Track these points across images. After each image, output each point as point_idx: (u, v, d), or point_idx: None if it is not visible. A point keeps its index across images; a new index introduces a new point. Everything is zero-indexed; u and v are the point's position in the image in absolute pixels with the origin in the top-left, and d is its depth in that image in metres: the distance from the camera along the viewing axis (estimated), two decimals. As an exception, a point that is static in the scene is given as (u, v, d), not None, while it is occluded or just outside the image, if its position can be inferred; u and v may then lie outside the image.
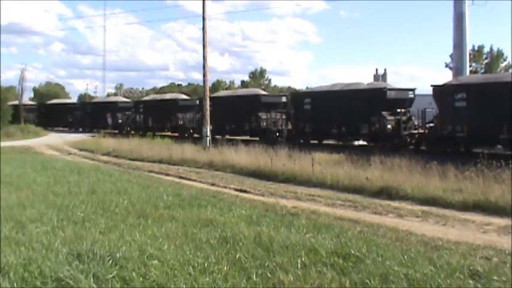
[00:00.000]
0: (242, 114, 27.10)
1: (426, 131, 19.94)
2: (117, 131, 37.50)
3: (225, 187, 11.92)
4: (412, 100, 21.63)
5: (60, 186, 10.07)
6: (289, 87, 69.28)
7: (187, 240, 5.62)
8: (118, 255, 4.81)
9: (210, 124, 28.87)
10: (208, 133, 22.17)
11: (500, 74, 19.40)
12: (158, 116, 34.97)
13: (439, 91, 19.29)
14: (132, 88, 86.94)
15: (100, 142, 26.16)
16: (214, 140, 22.38)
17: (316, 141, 23.65)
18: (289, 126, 26.21)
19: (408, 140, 20.39)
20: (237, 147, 17.57)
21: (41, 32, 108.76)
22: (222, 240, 5.59)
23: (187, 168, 16.23)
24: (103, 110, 42.12)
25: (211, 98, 30.85)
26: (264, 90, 37.67)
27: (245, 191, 11.16)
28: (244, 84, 68.98)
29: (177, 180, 13.33)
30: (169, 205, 7.98)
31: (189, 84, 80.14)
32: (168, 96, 40.00)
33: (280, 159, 14.67)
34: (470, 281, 4.32)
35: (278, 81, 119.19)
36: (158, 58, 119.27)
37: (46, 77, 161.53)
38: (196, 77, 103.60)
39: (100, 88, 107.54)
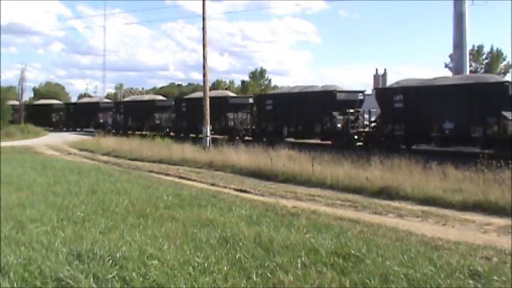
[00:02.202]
0: (213, 114, 28.76)
1: (370, 129, 21.99)
2: (99, 130, 39.10)
3: (225, 187, 11.92)
4: (361, 101, 23.87)
5: (60, 186, 10.06)
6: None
7: (187, 240, 5.62)
8: (118, 255, 4.81)
9: (183, 123, 31.26)
10: (208, 133, 22.15)
11: (433, 79, 21.07)
12: (137, 116, 37.23)
13: (381, 93, 21.83)
14: (132, 88, 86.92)
15: (100, 142, 26.15)
16: (214, 140, 22.40)
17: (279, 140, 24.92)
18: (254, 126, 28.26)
19: (356, 137, 22.43)
20: (237, 147, 17.58)
21: (40, 32, 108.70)
22: (222, 240, 5.58)
23: (187, 168, 16.23)
24: (86, 111, 44.99)
25: (185, 100, 34.41)
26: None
27: (245, 191, 11.16)
28: (244, 84, 69.00)
29: (177, 180, 13.33)
30: (169, 205, 7.98)
31: (189, 84, 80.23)
32: (146, 97, 43.42)
33: (280, 159, 14.67)
34: (470, 281, 4.31)
35: (278, 81, 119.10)
36: (158, 58, 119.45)
37: (46, 77, 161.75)
38: (196, 77, 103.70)
39: (100, 88, 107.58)
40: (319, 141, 23.70)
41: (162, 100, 38.71)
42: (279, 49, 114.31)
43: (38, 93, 73.67)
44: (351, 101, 23.39)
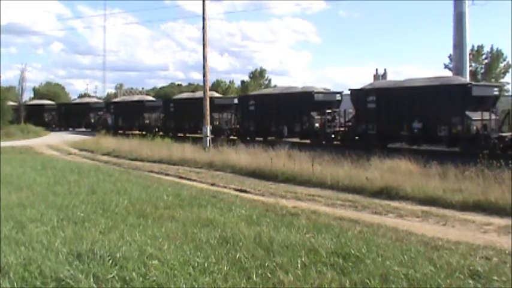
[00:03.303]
0: (199, 114, 29.94)
1: (346, 129, 23.04)
2: (90, 130, 41.21)
3: (225, 187, 11.92)
4: (339, 102, 24.89)
5: (60, 186, 10.07)
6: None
7: (187, 240, 5.62)
8: (118, 255, 4.82)
9: (171, 123, 32.69)
10: (208, 133, 22.14)
11: (403, 80, 22.27)
12: (127, 116, 38.32)
13: (355, 94, 22.43)
14: (132, 88, 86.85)
15: (100, 142, 26.16)
16: (214, 140, 22.42)
17: (261, 139, 25.31)
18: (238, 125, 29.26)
19: (333, 136, 23.43)
20: (237, 148, 17.58)
21: (40, 32, 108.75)
22: (222, 240, 5.59)
23: (187, 168, 16.23)
24: (77, 111, 46.21)
25: (173, 100, 36.06)
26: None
27: (245, 191, 11.16)
28: (244, 84, 68.97)
29: (177, 180, 13.33)
30: (169, 205, 7.99)
31: (189, 84, 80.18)
32: (135, 97, 44.79)
33: (280, 159, 14.67)
34: (470, 281, 4.32)
35: (278, 81, 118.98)
36: (158, 58, 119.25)
37: (46, 77, 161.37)
38: (196, 77, 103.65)
39: (100, 88, 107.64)
40: (298, 140, 24.46)
41: (151, 100, 40.40)
42: (279, 49, 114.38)
43: (38, 93, 73.58)
44: (329, 102, 24.47)
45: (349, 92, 23.34)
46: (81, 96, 79.12)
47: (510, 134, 17.82)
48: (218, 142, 21.10)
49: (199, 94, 35.29)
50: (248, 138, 24.56)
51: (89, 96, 75.03)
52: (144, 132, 32.59)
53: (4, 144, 25.25)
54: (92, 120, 43.45)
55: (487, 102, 18.50)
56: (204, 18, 22.02)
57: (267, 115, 26.03)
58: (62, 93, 73.56)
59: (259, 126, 26.39)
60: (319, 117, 23.62)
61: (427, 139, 19.46)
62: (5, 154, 18.85)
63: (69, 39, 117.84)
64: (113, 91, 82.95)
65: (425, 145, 19.59)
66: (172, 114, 33.38)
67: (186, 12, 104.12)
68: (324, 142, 22.71)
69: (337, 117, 23.75)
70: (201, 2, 22.07)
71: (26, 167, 13.99)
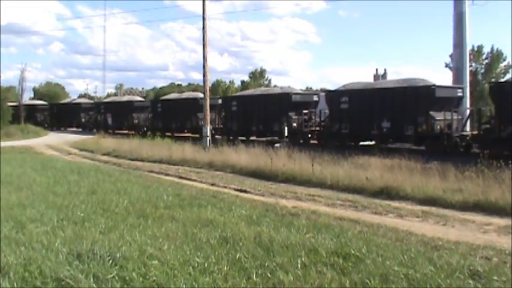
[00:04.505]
0: (185, 114, 32.05)
1: (321, 128, 24.10)
2: (81, 129, 43.49)
3: (225, 187, 11.91)
4: (316, 102, 26.08)
5: (60, 186, 10.07)
6: (289, 87, 69.15)
7: (187, 240, 5.62)
8: (118, 255, 4.82)
9: (159, 122, 34.22)
10: (208, 133, 22.15)
11: (374, 82, 24.16)
12: (117, 116, 39.68)
13: (329, 95, 23.82)
14: (132, 88, 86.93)
15: (100, 142, 26.18)
16: (214, 140, 22.45)
17: (244, 138, 25.84)
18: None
19: (309, 135, 24.53)
20: (237, 148, 17.58)
21: (40, 32, 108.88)
22: (222, 240, 5.59)
23: (187, 168, 16.23)
24: (68, 111, 47.89)
25: (160, 101, 38.01)
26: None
27: (245, 191, 11.16)
28: (244, 84, 68.93)
29: (177, 180, 13.33)
30: (169, 205, 7.98)
31: (189, 84, 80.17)
32: (125, 98, 46.58)
33: (280, 159, 14.66)
34: (470, 281, 4.32)
35: (278, 81, 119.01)
36: (158, 58, 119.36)
37: (46, 77, 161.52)
38: (196, 77, 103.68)
39: (100, 88, 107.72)
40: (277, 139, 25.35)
41: (140, 101, 42.31)
42: (279, 49, 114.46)
43: (38, 93, 73.62)
44: (306, 102, 25.62)
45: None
46: (81, 96, 79.18)
47: (470, 133, 18.86)
48: (218, 142, 21.15)
49: (185, 95, 37.64)
50: (231, 138, 25.33)
51: (89, 96, 75.11)
52: (133, 132, 34.20)
53: (4, 144, 25.25)
54: (83, 120, 44.91)
55: (451, 103, 19.47)
56: (204, 18, 22.02)
57: (249, 115, 26.98)
58: (62, 93, 73.52)
59: (241, 126, 27.29)
60: (296, 117, 24.68)
61: (395, 138, 20.67)
62: (5, 154, 18.85)
63: (69, 39, 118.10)
64: (113, 91, 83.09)
65: (395, 144, 20.76)
66: (160, 114, 34.77)
67: (186, 12, 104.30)
68: (301, 141, 23.66)
69: (313, 117, 24.81)
70: (201, 2, 22.07)
71: (26, 167, 13.98)
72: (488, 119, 18.18)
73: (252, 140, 23.40)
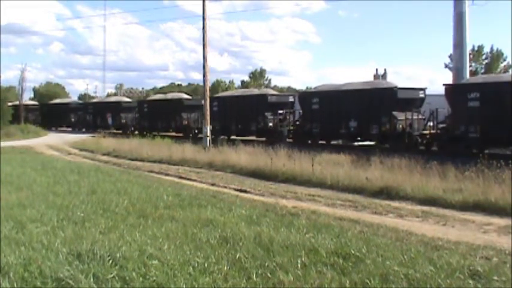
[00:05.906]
0: (169, 114, 33.52)
1: (295, 128, 25.30)
2: (70, 129, 45.52)
3: (225, 187, 11.91)
4: (292, 103, 27.36)
5: (60, 186, 10.07)
6: (289, 87, 69.38)
7: (187, 240, 5.62)
8: (118, 255, 4.82)
9: (145, 122, 35.47)
10: (208, 133, 22.14)
11: (342, 84, 24.59)
12: (105, 116, 40.89)
13: (302, 96, 25.53)
14: (132, 88, 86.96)
15: (100, 142, 26.17)
16: (214, 140, 22.47)
17: (225, 137, 26.87)
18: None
19: (286, 134, 25.46)
20: (237, 147, 17.58)
21: (39, 32, 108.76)
22: (222, 240, 5.59)
23: (187, 168, 16.23)
24: (59, 111, 48.90)
25: (146, 101, 39.50)
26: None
27: (245, 191, 11.16)
28: (244, 84, 68.96)
29: (177, 180, 13.33)
30: (169, 205, 7.98)
31: (189, 84, 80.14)
32: (113, 99, 48.49)
33: (280, 159, 14.67)
34: (470, 281, 4.32)
35: (278, 81, 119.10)
36: (157, 58, 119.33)
37: (45, 77, 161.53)
38: (196, 77, 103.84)
39: (100, 88, 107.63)
40: (255, 138, 26.46)
41: (128, 101, 43.39)
42: (279, 49, 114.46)
43: (38, 93, 73.58)
44: (282, 103, 27.07)
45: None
46: (81, 96, 79.19)
47: (429, 132, 19.94)
48: (218, 142, 21.18)
49: (170, 96, 39.11)
50: (213, 136, 25.78)
51: (90, 96, 75.14)
52: (121, 131, 35.84)
53: (4, 144, 25.24)
54: (73, 120, 46.23)
55: (413, 104, 20.73)
56: (204, 18, 22.01)
57: (229, 115, 28.28)
58: (62, 93, 73.45)
59: (222, 126, 28.16)
60: (272, 117, 26.15)
61: (362, 136, 22.07)
62: (5, 154, 18.84)
63: (68, 39, 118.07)
64: (113, 91, 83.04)
65: (361, 142, 22.20)
66: (146, 114, 36.17)
67: (186, 12, 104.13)
68: (281, 140, 24.52)
69: (287, 117, 26.03)
70: (201, 2, 22.06)
71: (26, 167, 13.97)
72: (444, 119, 19.42)
73: (252, 140, 23.51)
